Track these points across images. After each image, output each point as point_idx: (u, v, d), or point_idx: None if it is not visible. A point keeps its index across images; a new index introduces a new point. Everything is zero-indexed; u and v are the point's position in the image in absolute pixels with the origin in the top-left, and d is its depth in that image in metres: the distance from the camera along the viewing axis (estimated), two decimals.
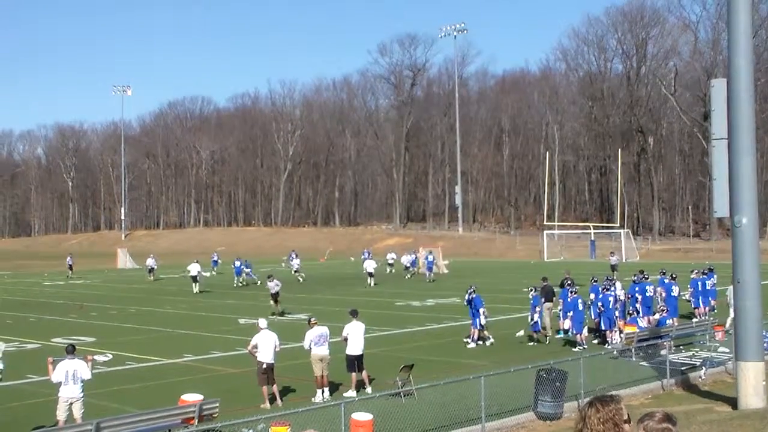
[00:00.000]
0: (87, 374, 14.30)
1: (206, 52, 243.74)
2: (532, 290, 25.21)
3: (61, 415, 14.07)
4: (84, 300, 42.93)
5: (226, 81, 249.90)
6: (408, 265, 57.12)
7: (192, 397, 13.80)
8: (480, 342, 24.46)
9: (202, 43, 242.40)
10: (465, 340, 24.87)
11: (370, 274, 48.53)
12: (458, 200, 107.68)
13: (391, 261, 59.94)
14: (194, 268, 46.42)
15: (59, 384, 14.17)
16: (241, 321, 31.65)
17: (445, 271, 59.35)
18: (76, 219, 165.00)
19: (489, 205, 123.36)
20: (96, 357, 15.50)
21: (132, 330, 30.36)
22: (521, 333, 24.98)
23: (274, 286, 34.33)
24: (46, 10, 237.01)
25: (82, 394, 14.22)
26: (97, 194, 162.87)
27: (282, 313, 33.83)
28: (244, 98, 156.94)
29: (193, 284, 46.12)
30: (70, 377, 14.10)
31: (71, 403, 14.11)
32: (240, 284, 50.13)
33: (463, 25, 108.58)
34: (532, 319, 24.72)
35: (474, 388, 14.79)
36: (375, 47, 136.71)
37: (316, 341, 17.73)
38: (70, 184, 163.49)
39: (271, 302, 34.65)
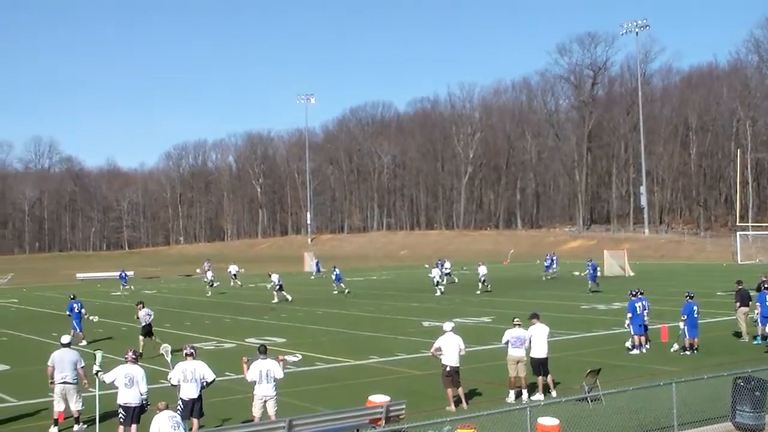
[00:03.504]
0: (279, 374, 14.84)
1: (386, 58, 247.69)
2: (687, 296, 23.80)
3: (256, 411, 14.67)
4: (274, 302, 44.52)
5: (405, 86, 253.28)
6: (552, 267, 57.17)
7: (379, 399, 14.04)
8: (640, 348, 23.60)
9: (382, 50, 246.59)
10: (627, 345, 24.07)
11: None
12: (643, 201, 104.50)
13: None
14: (275, 278, 46.69)
15: (254, 382, 14.77)
16: (426, 324, 31.89)
17: (631, 273, 57.71)
18: (265, 224, 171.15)
19: (676, 206, 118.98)
20: (287, 357, 16.04)
21: (320, 331, 31.22)
22: (675, 347, 23.75)
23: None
24: (235, 27, 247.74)
25: (275, 393, 14.76)
26: (284, 199, 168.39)
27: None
28: (424, 102, 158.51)
29: (275, 293, 46.05)
30: (263, 376, 14.67)
31: (265, 401, 14.68)
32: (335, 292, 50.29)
33: (645, 21, 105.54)
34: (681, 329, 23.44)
35: (664, 394, 14.31)
36: (554, 47, 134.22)
37: (513, 342, 17.66)
38: (259, 190, 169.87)
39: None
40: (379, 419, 13.27)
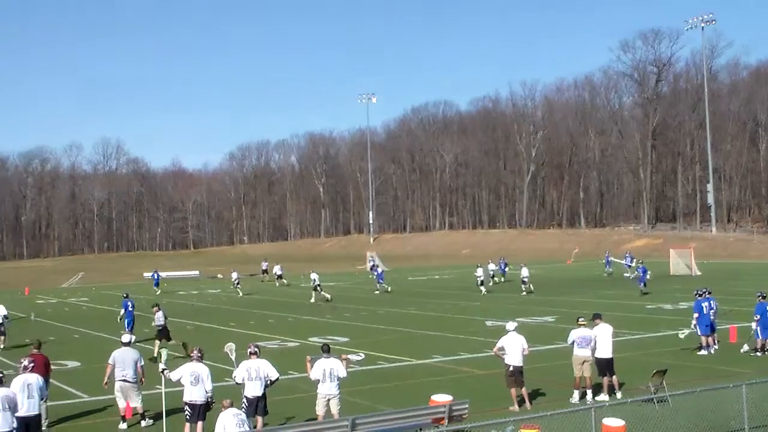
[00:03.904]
0: (342, 373, 14.90)
1: (447, 57, 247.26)
2: (759, 296, 23.17)
3: (320, 410, 14.76)
4: (337, 301, 44.80)
5: (467, 85, 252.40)
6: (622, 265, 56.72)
7: (442, 398, 14.02)
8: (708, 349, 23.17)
9: (443, 49, 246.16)
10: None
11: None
12: (710, 199, 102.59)
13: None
14: (314, 277, 47.23)
15: (317, 381, 14.85)
16: (488, 323, 31.76)
17: (698, 273, 56.72)
18: (328, 223, 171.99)
19: (745, 204, 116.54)
20: (350, 356, 16.11)
21: (382, 330, 31.30)
22: (746, 348, 23.18)
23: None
24: (297, 29, 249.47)
25: (338, 392, 14.82)
26: (347, 199, 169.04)
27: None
28: (485, 101, 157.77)
29: (313, 292, 46.45)
30: (327, 375, 14.75)
31: (329, 400, 14.76)
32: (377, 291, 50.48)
33: (711, 15, 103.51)
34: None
35: (734, 396, 14.01)
36: (617, 44, 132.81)
37: (579, 342, 17.52)
38: (322, 189, 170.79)
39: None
40: (442, 419, 13.26)
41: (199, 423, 14.20)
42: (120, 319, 30.48)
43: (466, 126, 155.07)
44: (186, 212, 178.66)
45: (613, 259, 62.37)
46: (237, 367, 14.86)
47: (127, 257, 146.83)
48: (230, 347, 15.67)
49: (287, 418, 15.89)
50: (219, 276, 72.64)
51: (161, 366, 14.86)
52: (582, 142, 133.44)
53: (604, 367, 17.65)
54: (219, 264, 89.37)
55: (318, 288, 46.04)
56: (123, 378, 16.24)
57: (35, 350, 16.73)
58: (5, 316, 29.90)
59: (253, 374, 14.56)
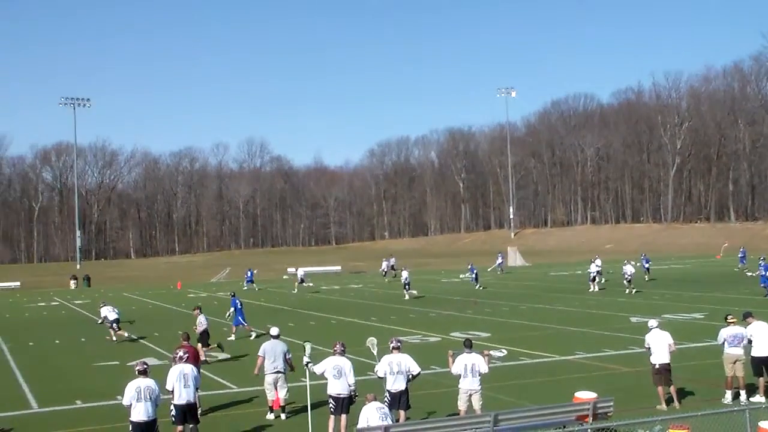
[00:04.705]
0: (484, 368, 14.82)
1: (587, 48, 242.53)
2: None
3: (461, 405, 14.73)
4: (477, 296, 44.66)
5: (608, 76, 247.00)
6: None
7: (586, 395, 13.76)
8: None
9: (583, 40, 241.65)
10: None
11: None
12: None
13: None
14: (405, 274, 46.92)
15: (459, 376, 14.82)
16: (633, 319, 31.02)
17: None
18: (468, 219, 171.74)
19: None
20: (492, 352, 16.01)
21: (524, 326, 30.98)
22: None
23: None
24: (435, 24, 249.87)
25: (480, 387, 14.75)
26: (487, 194, 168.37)
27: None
28: (628, 93, 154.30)
29: (405, 290, 46.10)
30: (469, 370, 14.70)
31: (470, 395, 14.70)
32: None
33: None
34: None
35: None
36: None
37: (730, 341, 16.86)
38: (461, 185, 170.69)
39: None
40: (586, 416, 13.01)
41: (343, 416, 14.39)
42: (228, 317, 31.33)
43: (608, 119, 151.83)
44: (328, 208, 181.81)
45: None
46: (379, 361, 14.98)
47: (271, 253, 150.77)
48: (372, 341, 15.81)
49: (429, 412, 15.94)
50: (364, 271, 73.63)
51: (305, 359, 15.15)
52: (731, 133, 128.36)
53: (761, 366, 16.88)
54: (361, 259, 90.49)
55: (407, 286, 46.30)
56: (275, 369, 16.69)
57: (184, 342, 17.40)
58: (117, 320, 31.07)
59: (395, 368, 14.64)
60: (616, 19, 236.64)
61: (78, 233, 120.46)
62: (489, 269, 67.22)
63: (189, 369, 14.38)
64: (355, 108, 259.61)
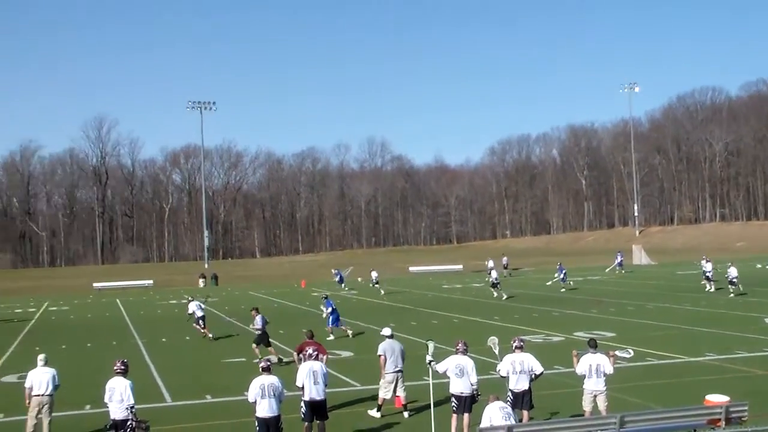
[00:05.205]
0: (609, 368, 14.57)
1: (713, 40, 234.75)
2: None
3: (586, 406, 14.51)
4: (602, 296, 43.87)
5: (736, 68, 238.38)
6: None
7: (717, 398, 13.33)
8: None
9: (708, 32, 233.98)
10: None
11: None
12: None
13: None
14: (494, 274, 46.50)
15: (583, 376, 14.62)
16: (767, 320, 29.95)
17: None
18: (591, 216, 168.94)
19: None
20: (617, 352, 15.71)
21: (650, 326, 30.25)
22: None
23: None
24: (554, 22, 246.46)
25: (605, 388, 14.50)
26: (610, 191, 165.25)
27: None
28: (759, 84, 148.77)
29: (492, 289, 45.36)
30: (593, 371, 14.47)
31: (595, 396, 14.47)
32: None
33: None
34: None
35: None
36: None
37: None
38: (584, 182, 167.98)
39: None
40: (718, 420, 12.59)
41: (466, 415, 14.39)
42: (325, 317, 31.65)
43: (737, 112, 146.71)
44: (449, 207, 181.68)
45: None
46: (501, 360, 14.92)
47: (393, 252, 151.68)
48: (493, 341, 15.74)
49: (552, 413, 15.77)
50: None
51: (428, 358, 15.20)
52: None
53: None
54: (482, 258, 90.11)
55: (497, 286, 45.64)
56: (396, 369, 16.87)
57: (309, 339, 17.74)
58: (203, 317, 31.92)
59: (518, 367, 14.56)
60: (743, 8, 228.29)
61: (206, 233, 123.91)
62: (608, 269, 65.93)
63: (318, 366, 14.71)
64: (476, 106, 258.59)
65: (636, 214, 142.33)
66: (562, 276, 50.42)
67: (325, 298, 33.00)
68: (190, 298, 34.38)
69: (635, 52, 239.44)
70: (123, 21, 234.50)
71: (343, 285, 60.09)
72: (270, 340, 25.81)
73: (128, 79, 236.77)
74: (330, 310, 31.27)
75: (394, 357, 16.91)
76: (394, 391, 16.89)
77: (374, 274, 56.56)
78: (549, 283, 52.91)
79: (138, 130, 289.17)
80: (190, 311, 32.50)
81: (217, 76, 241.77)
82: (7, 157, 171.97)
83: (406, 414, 16.73)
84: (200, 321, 31.75)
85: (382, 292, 53.05)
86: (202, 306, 32.75)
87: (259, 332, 25.52)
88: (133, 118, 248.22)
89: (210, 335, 31.41)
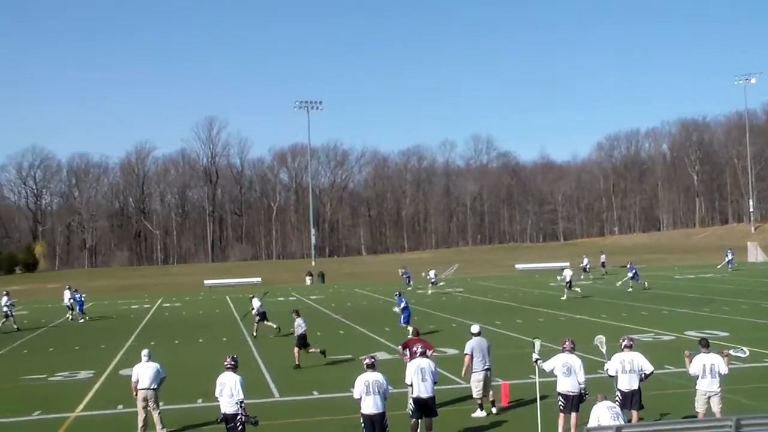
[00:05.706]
0: (724, 369, 14.16)
1: None
2: None
3: (699, 407, 14.11)
4: (715, 294, 42.64)
5: None
6: None
7: None
8: None
9: None
10: None
11: None
12: None
13: None
14: (568, 274, 45.36)
15: (696, 377, 14.24)
16: None
17: None
18: (703, 212, 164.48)
19: None
20: (731, 351, 15.23)
21: (766, 326, 29.26)
22: None
23: None
24: (665, 17, 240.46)
25: (719, 389, 14.09)
26: (723, 187, 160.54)
27: None
28: None
29: (565, 289, 44.45)
30: (707, 371, 14.08)
31: (709, 397, 14.07)
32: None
33: None
34: None
35: None
36: None
37: None
38: (696, 177, 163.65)
39: None
40: None
41: (573, 414, 14.19)
42: (398, 312, 31.49)
43: None
44: (555, 204, 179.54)
45: None
46: (609, 359, 14.67)
47: (499, 249, 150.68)
48: (600, 339, 15.48)
49: (662, 413, 15.42)
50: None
51: (535, 356, 15.06)
52: None
53: None
54: (590, 255, 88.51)
55: (569, 285, 44.78)
56: (485, 367, 16.86)
57: (414, 336, 17.81)
58: (260, 309, 32.72)
59: (628, 366, 14.29)
60: None
61: (313, 231, 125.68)
62: (719, 266, 63.97)
63: (426, 363, 14.73)
64: (582, 101, 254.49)
65: (751, 209, 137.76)
66: (632, 275, 49.03)
67: (398, 295, 32.97)
68: (251, 296, 34.88)
69: (750, 42, 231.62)
70: (234, 22, 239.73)
71: (410, 284, 59.94)
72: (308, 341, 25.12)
73: (237, 80, 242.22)
74: (403, 306, 31.28)
75: (482, 355, 16.89)
76: (485, 388, 16.84)
77: (432, 273, 56.38)
78: (619, 284, 51.40)
79: (247, 131, 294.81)
80: (254, 306, 32.96)
81: (324, 75, 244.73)
82: (124, 159, 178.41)
83: (493, 409, 16.82)
84: (260, 317, 32.47)
85: (429, 291, 53.09)
86: (262, 303, 33.51)
87: (300, 334, 24.80)
88: (242, 118, 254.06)
89: (274, 326, 32.39)
